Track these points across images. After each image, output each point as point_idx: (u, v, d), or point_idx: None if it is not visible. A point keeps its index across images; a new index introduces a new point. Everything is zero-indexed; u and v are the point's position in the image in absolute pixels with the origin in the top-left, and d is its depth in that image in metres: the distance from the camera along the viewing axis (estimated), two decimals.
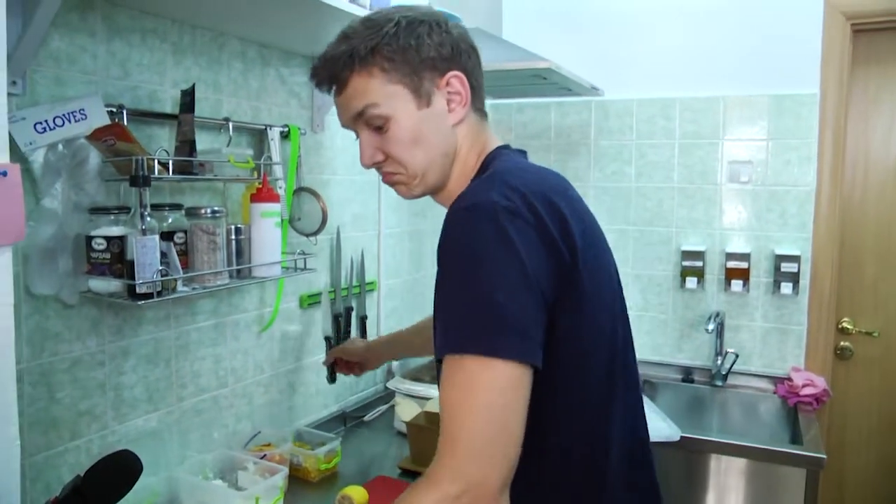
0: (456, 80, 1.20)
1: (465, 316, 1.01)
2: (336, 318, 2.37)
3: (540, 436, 1.08)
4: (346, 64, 1.17)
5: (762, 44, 2.91)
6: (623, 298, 1.28)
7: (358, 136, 1.23)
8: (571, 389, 1.13)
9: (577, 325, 1.10)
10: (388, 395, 2.59)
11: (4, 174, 0.82)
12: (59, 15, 1.41)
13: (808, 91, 2.86)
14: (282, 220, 1.87)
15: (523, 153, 1.30)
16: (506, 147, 1.29)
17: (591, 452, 1.17)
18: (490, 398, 0.97)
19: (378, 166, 1.25)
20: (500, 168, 1.16)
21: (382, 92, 1.16)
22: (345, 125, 1.25)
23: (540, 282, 1.03)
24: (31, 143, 1.40)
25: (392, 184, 1.27)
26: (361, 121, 1.20)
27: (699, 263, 3.03)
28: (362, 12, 1.67)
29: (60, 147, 1.46)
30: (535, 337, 1.02)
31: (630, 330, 1.28)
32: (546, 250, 1.04)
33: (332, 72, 1.19)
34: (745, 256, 2.97)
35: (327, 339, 2.29)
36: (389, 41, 1.15)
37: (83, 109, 1.48)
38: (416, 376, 2.40)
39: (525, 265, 1.01)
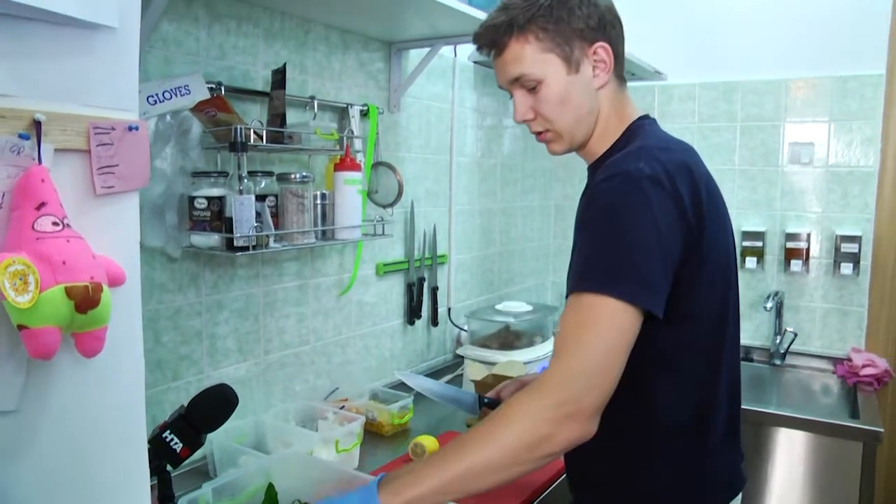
0: (602, 50, 1.34)
1: (598, 263, 1.18)
2: (409, 287, 2.54)
3: (650, 382, 1.29)
4: (505, 31, 1.33)
5: (827, 24, 2.95)
6: (737, 270, 1.41)
7: (512, 96, 1.39)
8: (682, 346, 1.28)
9: (695, 283, 1.24)
10: (455, 364, 2.74)
11: (137, 128, 0.99)
12: (169, 3, 1.59)
13: (873, 72, 2.89)
14: (362, 189, 2.03)
15: (654, 121, 1.44)
16: (646, 117, 1.43)
17: (699, 404, 1.33)
18: (601, 332, 1.13)
19: (528, 123, 1.40)
20: (647, 142, 1.30)
21: (537, 58, 1.32)
22: (501, 85, 1.41)
23: (670, 243, 1.18)
24: (144, 114, 1.59)
25: (543, 141, 1.43)
26: (517, 83, 1.36)
27: (759, 244, 3.10)
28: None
29: (168, 117, 1.65)
30: (655, 287, 1.17)
31: (738, 301, 1.42)
32: (679, 215, 1.19)
33: (493, 38, 1.35)
34: (804, 237, 3.02)
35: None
36: (544, 13, 1.30)
37: (187, 85, 1.66)
38: (484, 343, 2.53)
39: (659, 227, 1.16)
